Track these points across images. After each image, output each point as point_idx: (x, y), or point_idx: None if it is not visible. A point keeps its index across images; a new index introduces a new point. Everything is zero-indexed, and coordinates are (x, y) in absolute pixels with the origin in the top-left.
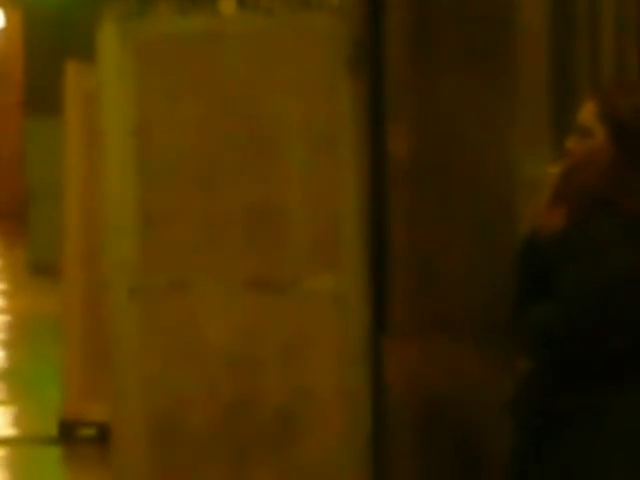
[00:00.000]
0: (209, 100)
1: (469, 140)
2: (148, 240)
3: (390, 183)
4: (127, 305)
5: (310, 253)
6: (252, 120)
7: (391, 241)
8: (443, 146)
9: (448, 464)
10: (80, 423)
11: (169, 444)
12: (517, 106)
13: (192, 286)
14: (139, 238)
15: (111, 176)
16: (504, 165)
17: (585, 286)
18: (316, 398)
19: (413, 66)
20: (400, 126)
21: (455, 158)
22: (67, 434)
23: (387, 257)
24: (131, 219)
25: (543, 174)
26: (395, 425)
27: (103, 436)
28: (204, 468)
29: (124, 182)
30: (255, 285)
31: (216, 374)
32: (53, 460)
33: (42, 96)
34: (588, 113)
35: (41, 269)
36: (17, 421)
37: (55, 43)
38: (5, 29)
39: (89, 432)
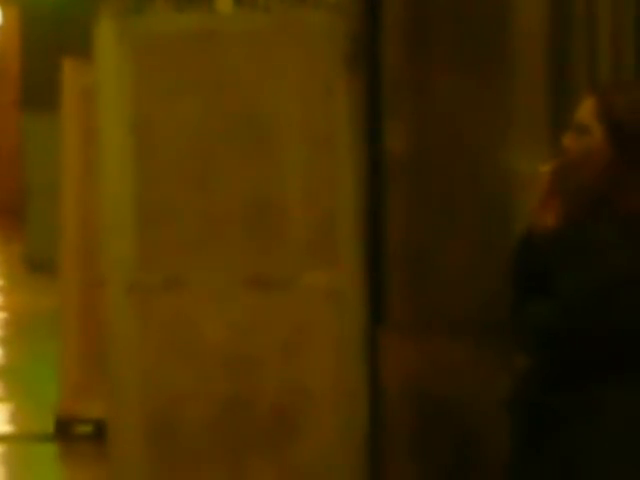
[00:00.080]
0: (206, 97)
1: (466, 138)
2: (145, 237)
3: (387, 180)
4: (124, 302)
5: (307, 250)
6: (249, 117)
7: (388, 238)
8: (440, 144)
9: (445, 462)
10: (76, 420)
11: (166, 441)
12: (514, 105)
13: (189, 283)
14: (136, 235)
15: (108, 173)
16: (501, 164)
17: (584, 285)
18: (313, 396)
19: (410, 64)
20: (397, 123)
21: (452, 156)
22: (63, 431)
23: (384, 254)
24: (128, 216)
25: (536, 172)
26: (392, 423)
27: (100, 433)
28: (201, 465)
29: (121, 179)
30: (252, 282)
31: (213, 371)
32: (49, 457)
33: (39, 93)
34: (586, 111)
35: (38, 266)
36: (13, 418)
37: (52, 40)
38: (2, 26)
39: (85, 429)
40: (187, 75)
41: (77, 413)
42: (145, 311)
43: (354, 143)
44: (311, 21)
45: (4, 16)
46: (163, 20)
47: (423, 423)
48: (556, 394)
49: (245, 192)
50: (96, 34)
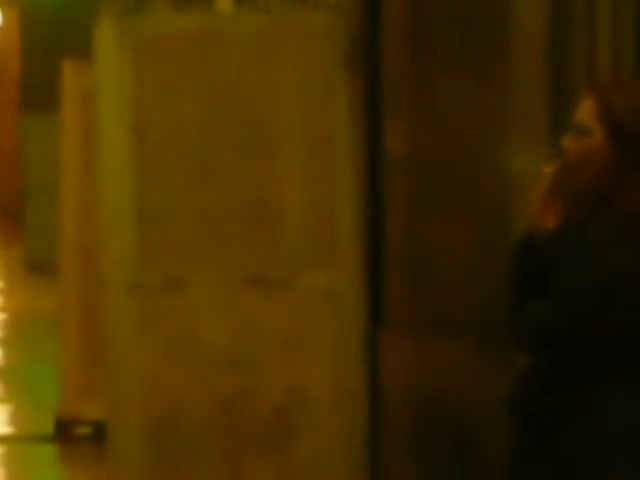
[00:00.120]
0: (206, 97)
1: (466, 138)
2: (145, 237)
3: (387, 180)
4: (124, 302)
5: (307, 250)
6: (249, 117)
7: (388, 239)
8: (440, 144)
9: (445, 462)
10: (76, 421)
11: (166, 442)
12: (514, 105)
13: (189, 283)
14: (136, 235)
15: (108, 174)
16: (501, 164)
17: (584, 285)
18: (313, 396)
19: (410, 64)
20: (397, 123)
21: (452, 156)
22: (63, 432)
23: (384, 255)
24: (128, 216)
25: (538, 172)
26: (392, 423)
27: (99, 434)
28: (200, 466)
29: (121, 180)
30: (252, 282)
31: (213, 371)
32: (49, 458)
33: (39, 94)
34: (585, 111)
35: (37, 267)
36: (13, 419)
37: (52, 41)
38: (2, 27)
39: (85, 430)
40: (187, 76)
41: (77, 414)
42: (145, 311)
43: (354, 143)
44: (311, 22)
45: (4, 17)
46: (163, 21)
47: (423, 423)
48: (556, 394)
49: (245, 192)
50: (96, 35)
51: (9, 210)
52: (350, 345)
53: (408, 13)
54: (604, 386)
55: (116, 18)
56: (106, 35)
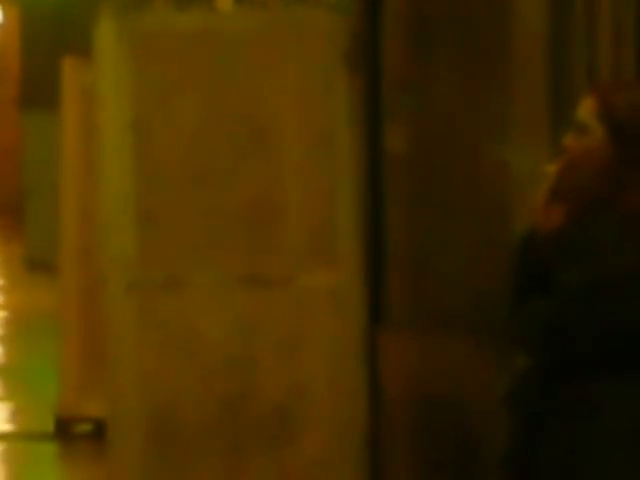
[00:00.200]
0: (206, 96)
1: (466, 138)
2: (145, 236)
3: (387, 180)
4: (124, 301)
5: (307, 249)
6: (249, 116)
7: (387, 238)
8: (440, 143)
9: (445, 462)
10: (76, 419)
11: (165, 440)
12: (514, 104)
13: (189, 282)
14: (136, 234)
15: (108, 172)
16: (501, 163)
17: (585, 285)
18: (312, 395)
19: (410, 63)
20: (397, 123)
21: (452, 155)
22: (63, 430)
23: (383, 254)
24: (128, 215)
25: (540, 172)
26: (391, 423)
27: (99, 432)
28: (200, 464)
29: (121, 178)
30: (252, 281)
31: (212, 370)
32: (49, 456)
33: (39, 91)
34: (586, 110)
35: (38, 265)
36: (13, 417)
37: (52, 39)
38: (2, 25)
39: (85, 428)
40: (187, 74)
41: (77, 412)
42: (144, 310)
43: (354, 142)
44: (311, 20)
45: (4, 15)
46: (163, 19)
47: (422, 422)
48: (555, 393)
49: (244, 191)
50: (96, 33)
51: (9, 208)
52: (350, 344)
53: (408, 12)
54: (604, 385)
55: (116, 16)
56: (106, 33)
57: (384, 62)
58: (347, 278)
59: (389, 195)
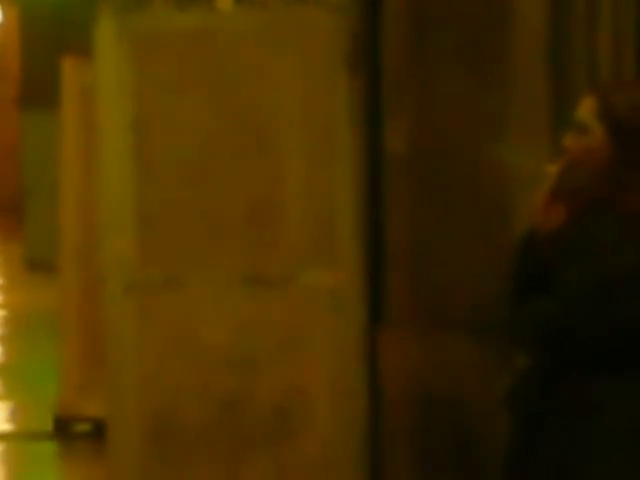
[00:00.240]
0: (206, 95)
1: (466, 138)
2: (144, 236)
3: (387, 179)
4: (123, 301)
5: (307, 249)
6: (249, 115)
7: (388, 237)
8: (440, 143)
9: (445, 461)
10: (75, 419)
11: (164, 440)
12: (514, 104)
13: (188, 282)
14: (135, 234)
15: (107, 171)
16: (501, 163)
17: (585, 284)
18: (312, 395)
19: (411, 63)
20: (397, 122)
21: (452, 155)
22: (62, 429)
23: (384, 253)
24: (127, 214)
25: (541, 172)
26: (392, 422)
27: (98, 432)
28: (199, 464)
29: (120, 177)
30: (251, 281)
31: (212, 370)
32: (48, 455)
33: (38, 91)
34: (586, 110)
35: (37, 264)
36: (12, 416)
37: (52, 38)
38: (2, 24)
39: (84, 427)
40: (187, 73)
41: (76, 411)
42: (144, 310)
43: (354, 142)
44: (312, 20)
45: (4, 14)
46: (163, 18)
47: (423, 422)
48: (555, 393)
49: (245, 191)
50: (96, 32)
51: (9, 207)
52: (350, 344)
53: (408, 12)
54: (603, 384)
55: (116, 15)
56: (106, 32)
57: (384, 62)
58: (347, 278)
59: (389, 195)
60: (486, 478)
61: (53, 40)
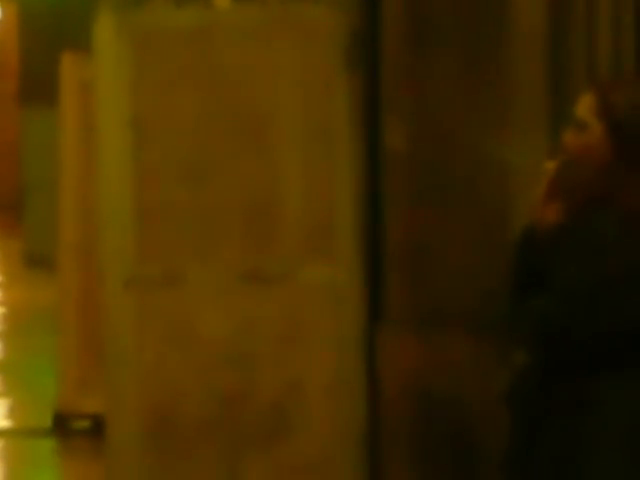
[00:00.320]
0: (205, 92)
1: (465, 135)
2: (143, 232)
3: (386, 176)
4: (122, 297)
5: (306, 245)
6: (248, 112)
7: (387, 234)
8: (439, 140)
9: (444, 459)
10: (75, 415)
11: (163, 436)
12: (513, 100)
13: (187, 278)
14: (134, 230)
15: (107, 167)
16: (501, 161)
17: (584, 282)
18: (311, 391)
19: (410, 59)
20: (396, 118)
21: (451, 152)
22: (61, 426)
23: (383, 250)
24: (127, 210)
25: (539, 168)
26: (390, 419)
27: (98, 428)
28: (198, 460)
29: (120, 173)
30: (251, 277)
31: (211, 366)
32: (47, 452)
33: (38, 87)
34: (585, 107)
35: (36, 261)
36: (11, 413)
37: (51, 34)
38: (1, 20)
39: (83, 424)
40: (186, 70)
41: (75, 408)
42: (143, 306)
43: (353, 138)
44: (310, 16)
45: (3, 10)
46: (162, 15)
47: (422, 420)
48: (555, 390)
49: (244, 187)
50: (95, 28)
51: (8, 203)
52: (349, 341)
53: (408, 9)
54: (603, 383)
55: (115, 11)
56: (105, 28)
57: (383, 58)
58: (346, 275)
59: (388, 191)
60: (485, 476)
61: (52, 36)
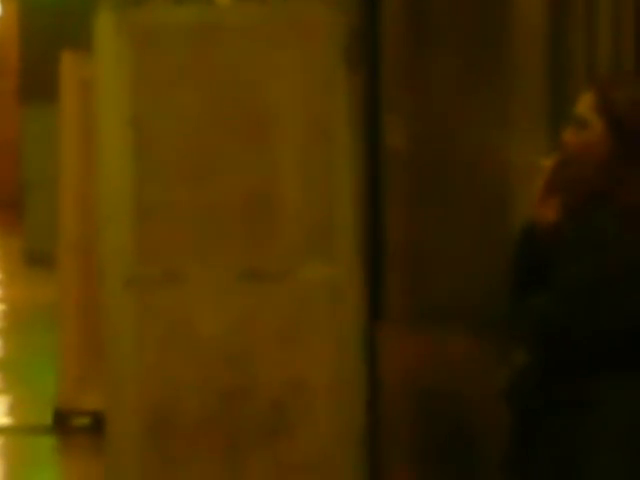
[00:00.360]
0: (205, 90)
1: (465, 133)
2: (143, 230)
3: (386, 174)
4: (122, 295)
5: (306, 244)
6: (248, 110)
7: (386, 232)
8: (439, 139)
9: (444, 456)
10: (75, 412)
11: (163, 433)
12: (513, 98)
13: (187, 276)
14: (134, 228)
15: (107, 165)
16: (500, 156)
17: (584, 279)
18: (311, 389)
19: (409, 58)
20: (396, 117)
21: (451, 151)
22: (62, 423)
23: (382, 248)
24: (126, 209)
25: (538, 166)
26: (390, 417)
27: (97, 425)
28: (198, 458)
29: (120, 171)
30: (250, 275)
31: (211, 364)
32: (47, 449)
33: (38, 85)
34: (585, 105)
35: (36, 258)
36: (12, 410)
37: (51, 32)
38: (1, 17)
39: (83, 421)
40: (186, 68)
41: (75, 405)
42: (143, 304)
43: (353, 136)
44: (310, 14)
45: (3, 8)
46: (162, 13)
47: (421, 416)
48: (555, 388)
49: (244, 186)
50: (95, 26)
51: (8, 201)
52: (348, 338)
53: (408, 6)
54: (603, 382)
55: (115, 9)
56: (105, 26)
57: (383, 57)
58: (345, 273)
59: (388, 190)
60: (485, 472)
61: (52, 34)
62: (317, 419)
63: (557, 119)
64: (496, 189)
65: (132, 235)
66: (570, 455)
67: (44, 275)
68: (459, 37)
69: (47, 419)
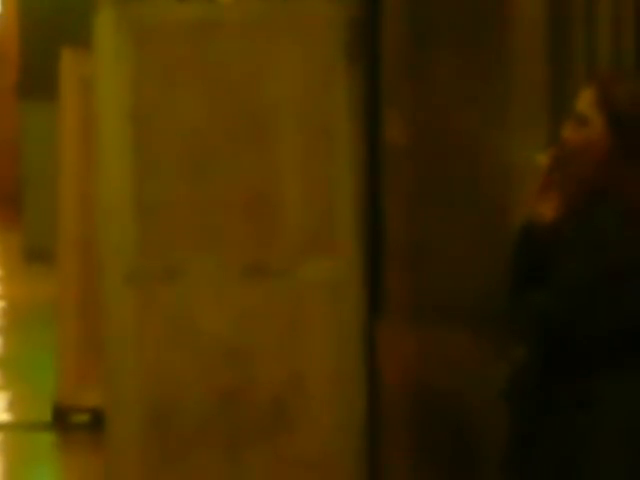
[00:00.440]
0: (206, 86)
1: (465, 129)
2: (144, 226)
3: (386, 170)
4: (122, 291)
5: (306, 240)
6: (249, 106)
7: (387, 228)
8: (439, 134)
9: (443, 453)
10: (74, 409)
11: (163, 430)
12: (513, 94)
13: (188, 273)
14: (135, 224)
15: (107, 162)
16: (500, 153)
17: (585, 276)
18: (311, 385)
19: (410, 53)
20: (397, 113)
21: (451, 146)
22: (61, 420)
23: (383, 244)
24: (127, 205)
25: (533, 162)
26: (390, 413)
27: (97, 422)
28: (198, 455)
29: (120, 168)
30: (251, 272)
31: (211, 361)
32: (47, 446)
33: (38, 81)
34: (585, 101)
35: (36, 255)
36: (11, 407)
37: (51, 28)
38: (1, 14)
39: (83, 418)
40: (186, 65)
41: (75, 402)
42: (143, 300)
43: (353, 132)
44: (311, 10)
45: (3, 4)
46: (163, 9)
47: (421, 412)
48: (554, 385)
49: (244, 181)
50: (95, 23)
51: (8, 197)
52: (349, 335)
53: (408, 2)
54: (603, 378)
55: (116, 6)
56: (105, 23)
57: (384, 51)
58: (346, 269)
59: (388, 185)
60: (484, 469)
61: (52, 30)
62: (317, 415)
63: (557, 118)
64: (497, 185)
65: (132, 231)
66: (570, 454)
67: (43, 272)
68: (459, 34)
69: (47, 416)
